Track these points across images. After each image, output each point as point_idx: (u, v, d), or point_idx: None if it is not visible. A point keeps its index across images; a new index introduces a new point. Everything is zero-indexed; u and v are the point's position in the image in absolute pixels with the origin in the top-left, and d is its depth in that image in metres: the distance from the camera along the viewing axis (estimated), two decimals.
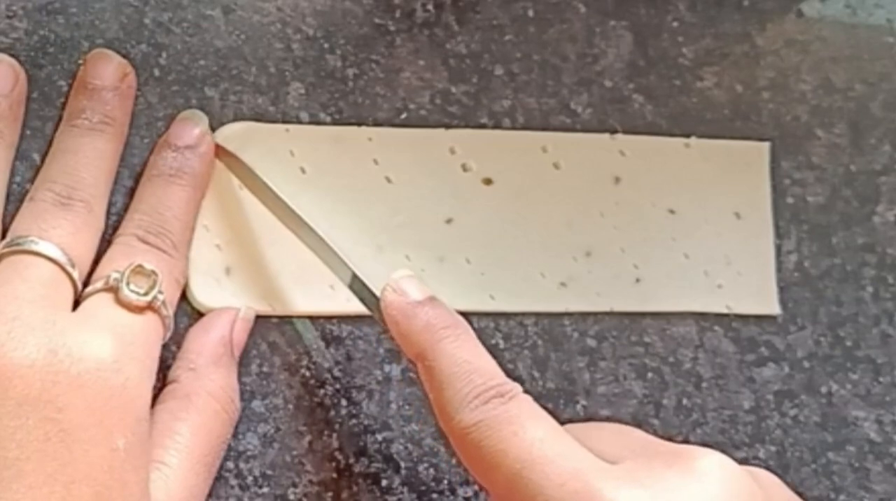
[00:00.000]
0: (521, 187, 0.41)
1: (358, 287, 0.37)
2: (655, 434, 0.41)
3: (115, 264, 0.35)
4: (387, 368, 0.39)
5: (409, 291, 0.35)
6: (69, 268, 0.34)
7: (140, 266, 0.35)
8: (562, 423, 0.40)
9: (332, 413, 0.39)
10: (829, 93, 0.44)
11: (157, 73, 0.39)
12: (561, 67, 0.43)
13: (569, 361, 0.41)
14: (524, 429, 0.32)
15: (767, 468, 0.41)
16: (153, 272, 0.35)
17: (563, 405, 0.40)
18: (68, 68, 0.39)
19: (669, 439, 0.41)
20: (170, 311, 0.35)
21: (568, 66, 0.43)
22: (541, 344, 0.41)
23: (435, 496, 0.39)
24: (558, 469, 0.31)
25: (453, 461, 0.39)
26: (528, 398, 0.33)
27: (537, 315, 0.41)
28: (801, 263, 0.43)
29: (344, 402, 0.39)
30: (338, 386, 0.39)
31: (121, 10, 0.40)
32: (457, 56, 0.42)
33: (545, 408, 0.40)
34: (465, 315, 0.40)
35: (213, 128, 0.39)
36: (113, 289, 0.34)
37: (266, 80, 0.40)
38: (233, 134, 0.39)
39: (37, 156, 0.38)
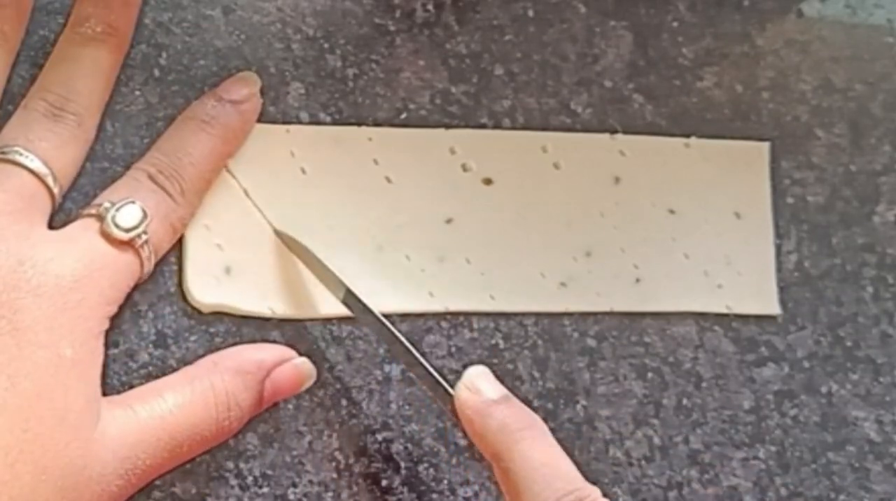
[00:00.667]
0: (521, 187, 0.41)
1: (352, 301, 0.37)
2: (655, 434, 0.41)
3: (115, 194, 0.36)
4: (387, 368, 0.39)
5: (484, 389, 0.35)
6: (49, 181, 0.35)
7: (132, 202, 0.35)
8: (562, 423, 0.40)
9: (332, 413, 0.39)
10: (829, 93, 0.44)
11: (157, 73, 0.39)
12: (561, 67, 0.43)
13: (569, 361, 0.41)
14: None
15: (767, 468, 0.41)
16: (144, 212, 0.35)
17: (563, 405, 0.40)
18: None
19: (669, 439, 0.41)
20: (150, 253, 0.36)
21: (568, 66, 0.43)
22: (541, 344, 0.41)
23: (435, 496, 0.39)
24: None
25: (453, 461, 0.39)
26: None
27: (537, 315, 0.41)
28: (801, 263, 0.43)
29: (344, 402, 0.39)
30: (338, 385, 0.39)
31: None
32: (457, 56, 0.42)
33: (545, 409, 0.40)
34: (466, 315, 0.40)
35: None
36: (99, 218, 0.35)
37: (266, 80, 0.40)
38: None
39: None
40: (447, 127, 0.41)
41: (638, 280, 0.42)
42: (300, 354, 0.38)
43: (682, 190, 0.43)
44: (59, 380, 0.33)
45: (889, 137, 0.45)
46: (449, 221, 0.41)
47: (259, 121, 0.40)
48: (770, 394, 0.42)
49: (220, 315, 0.38)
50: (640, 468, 0.40)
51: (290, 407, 0.38)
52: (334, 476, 0.38)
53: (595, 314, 0.41)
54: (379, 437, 0.39)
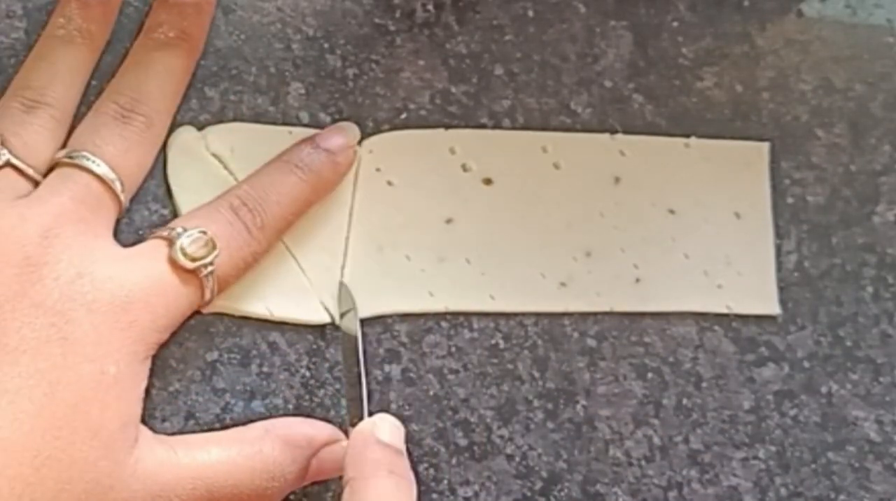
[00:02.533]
0: (521, 187, 0.41)
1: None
2: (655, 434, 0.41)
3: (191, 221, 0.36)
4: (387, 368, 0.39)
5: (384, 431, 0.35)
6: (117, 187, 0.36)
7: (204, 233, 0.35)
8: (562, 423, 0.40)
9: (332, 413, 0.39)
10: (829, 93, 0.44)
11: None
12: (561, 67, 0.43)
13: (569, 361, 0.41)
14: None
15: (767, 468, 0.41)
16: (214, 244, 0.35)
17: (563, 405, 0.40)
18: None
19: (669, 439, 0.41)
20: (213, 285, 0.36)
21: (568, 66, 0.43)
22: (541, 344, 0.41)
23: (435, 496, 0.39)
24: None
25: (453, 461, 0.39)
26: None
27: (537, 315, 0.41)
28: (801, 263, 0.43)
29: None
30: (338, 385, 0.39)
31: (121, 10, 0.40)
32: (457, 56, 0.42)
33: (545, 409, 0.40)
34: (466, 315, 0.40)
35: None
36: (169, 242, 0.35)
37: (266, 80, 0.40)
38: (232, 134, 0.39)
39: None
40: (447, 127, 0.41)
41: (638, 280, 0.42)
42: (300, 354, 0.38)
43: (682, 190, 0.43)
44: (98, 396, 0.33)
45: (889, 137, 0.45)
46: (449, 221, 0.41)
47: (259, 121, 0.40)
48: (770, 394, 0.42)
49: (219, 315, 0.38)
50: (640, 468, 0.40)
51: (290, 407, 0.38)
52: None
53: (595, 314, 0.41)
54: None
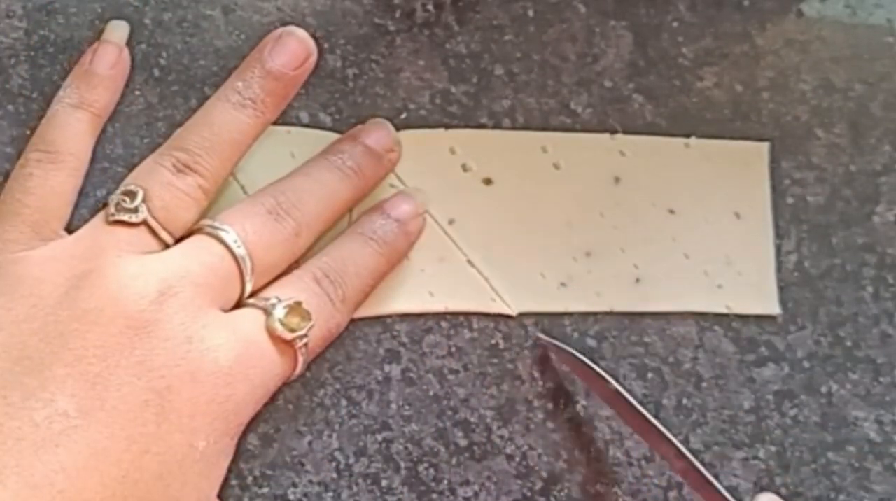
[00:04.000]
0: (521, 187, 0.41)
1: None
2: None
3: (283, 290, 0.36)
4: (387, 368, 0.39)
5: None
6: (246, 271, 0.35)
7: (299, 304, 0.35)
8: (562, 423, 0.40)
9: (332, 413, 0.39)
10: (829, 93, 0.44)
11: (157, 73, 0.39)
12: (561, 67, 0.43)
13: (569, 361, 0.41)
14: None
15: (767, 468, 0.41)
16: (309, 315, 0.35)
17: (563, 405, 0.40)
18: (68, 68, 0.39)
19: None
20: (307, 356, 0.36)
21: (568, 66, 0.43)
22: (541, 344, 0.41)
23: (435, 496, 0.39)
24: None
25: (453, 461, 0.39)
26: None
27: (537, 315, 0.41)
28: (801, 263, 0.43)
29: (344, 402, 0.39)
30: (338, 385, 0.39)
31: (121, 10, 0.40)
32: (457, 56, 0.42)
33: (545, 409, 0.40)
34: (466, 315, 0.40)
35: None
36: (266, 313, 0.35)
37: None
38: None
39: None
40: (447, 127, 0.41)
41: (638, 280, 0.42)
42: None
43: (682, 190, 0.43)
44: (182, 470, 0.32)
45: (889, 137, 0.45)
46: (449, 221, 0.41)
47: None
48: (770, 394, 0.42)
49: None
50: (640, 468, 0.40)
51: (291, 406, 0.38)
52: (334, 476, 0.38)
53: (595, 314, 0.41)
54: (379, 437, 0.39)
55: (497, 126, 0.42)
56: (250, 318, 0.35)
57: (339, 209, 0.38)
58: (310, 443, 0.38)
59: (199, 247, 0.35)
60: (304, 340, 0.35)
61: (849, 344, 0.43)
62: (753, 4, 0.45)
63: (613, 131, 0.43)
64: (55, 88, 0.38)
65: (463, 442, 0.39)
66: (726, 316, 0.42)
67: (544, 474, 0.40)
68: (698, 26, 0.44)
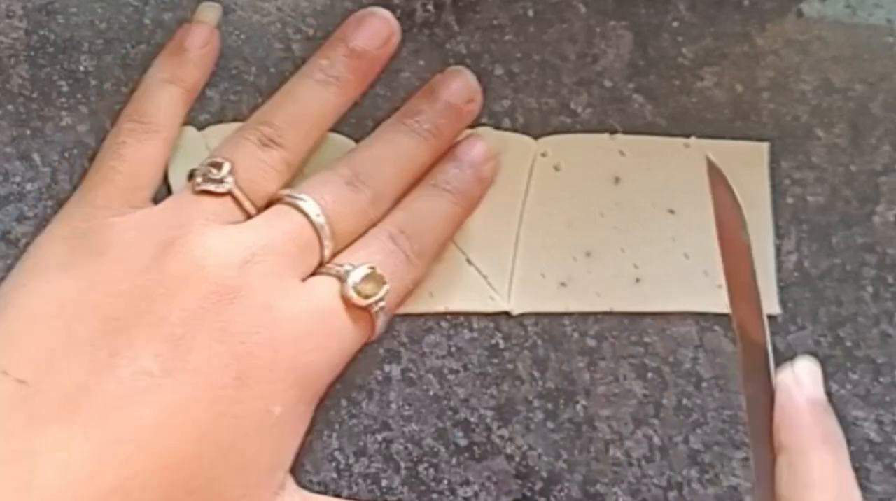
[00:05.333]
0: (521, 187, 0.41)
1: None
2: (655, 434, 0.41)
3: (358, 254, 0.36)
4: (387, 368, 0.39)
5: (807, 385, 0.34)
6: (325, 238, 0.36)
7: (373, 269, 0.36)
8: (562, 423, 0.40)
9: (332, 412, 0.39)
10: (829, 93, 0.44)
11: None
12: (561, 67, 0.43)
13: (569, 361, 0.41)
14: None
15: None
16: (383, 279, 0.36)
17: (563, 405, 0.40)
18: (68, 68, 0.39)
19: (669, 439, 0.41)
20: (384, 318, 0.36)
21: (568, 66, 0.43)
22: (541, 344, 0.41)
23: (435, 496, 0.39)
24: None
25: (453, 461, 0.39)
26: None
27: (537, 315, 0.41)
28: (801, 263, 0.43)
29: (344, 402, 0.39)
30: (338, 385, 0.39)
31: (121, 10, 0.40)
32: (457, 56, 0.42)
33: (545, 409, 0.40)
34: (466, 315, 0.40)
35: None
36: (341, 280, 0.35)
37: (266, 80, 0.40)
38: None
39: (37, 157, 0.38)
40: None
41: (638, 280, 0.42)
42: None
43: (682, 190, 0.43)
44: (259, 435, 0.33)
45: (889, 137, 0.45)
46: None
47: None
48: None
49: None
50: (640, 468, 0.40)
51: None
52: (334, 476, 0.38)
53: (595, 314, 0.41)
54: (379, 437, 0.39)
55: (497, 126, 0.42)
56: (326, 286, 0.35)
57: (418, 172, 0.38)
58: (310, 443, 0.38)
59: (281, 217, 0.35)
60: (381, 304, 0.36)
61: (849, 344, 0.43)
62: (753, 4, 0.45)
63: (613, 131, 0.43)
64: (55, 88, 0.38)
65: (463, 442, 0.39)
66: (726, 316, 0.42)
67: (544, 474, 0.40)
68: (698, 26, 0.44)
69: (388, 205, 0.38)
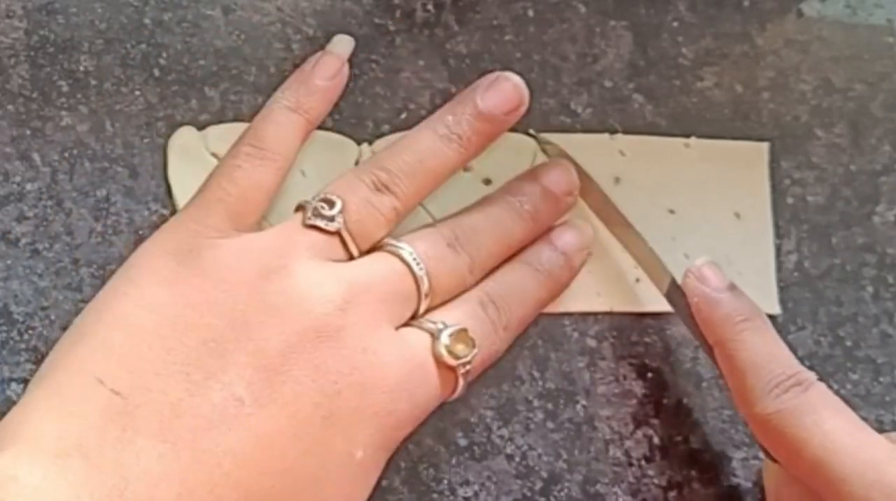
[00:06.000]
0: None
1: (676, 294, 0.39)
2: (655, 434, 0.41)
3: (450, 314, 0.36)
4: None
5: (710, 278, 0.38)
6: (423, 299, 0.36)
7: (465, 331, 0.36)
8: (562, 423, 0.40)
9: None
10: (829, 93, 0.44)
11: (157, 73, 0.39)
12: (561, 67, 0.43)
13: (569, 361, 0.41)
14: (823, 419, 0.35)
15: None
16: (473, 342, 0.36)
17: (563, 405, 0.40)
18: (68, 68, 0.39)
19: (669, 439, 0.41)
20: (467, 380, 0.36)
21: (568, 66, 0.43)
22: (541, 344, 0.41)
23: (435, 496, 0.39)
24: (858, 460, 0.34)
25: (453, 461, 0.39)
26: (823, 386, 0.36)
27: (537, 315, 0.41)
28: (801, 263, 0.43)
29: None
30: None
31: (121, 10, 0.40)
32: (457, 56, 0.42)
33: (545, 409, 0.40)
34: None
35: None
36: (433, 337, 0.36)
37: (266, 80, 0.40)
38: (232, 134, 0.39)
39: (37, 156, 0.38)
40: None
41: (638, 280, 0.42)
42: None
43: (682, 190, 0.43)
44: (338, 477, 0.33)
45: (889, 137, 0.45)
46: None
47: None
48: None
49: None
50: (640, 468, 0.40)
51: None
52: None
53: (595, 314, 0.41)
54: None
55: None
56: (418, 340, 0.36)
57: (512, 249, 0.39)
58: None
59: (383, 263, 0.36)
60: (467, 367, 0.36)
61: (849, 344, 0.43)
62: (753, 4, 0.45)
63: (613, 131, 0.43)
64: (55, 88, 0.38)
65: (463, 442, 0.39)
66: None
67: (544, 474, 0.40)
68: (698, 26, 0.44)
69: (481, 275, 0.38)
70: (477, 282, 0.38)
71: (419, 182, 0.37)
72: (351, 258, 0.36)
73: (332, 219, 0.35)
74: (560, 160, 0.40)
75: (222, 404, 0.32)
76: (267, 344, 0.33)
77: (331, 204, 0.36)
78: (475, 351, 0.36)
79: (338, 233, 0.36)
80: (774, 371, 0.36)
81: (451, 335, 0.35)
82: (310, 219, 0.35)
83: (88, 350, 0.32)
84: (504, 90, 0.38)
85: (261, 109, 0.39)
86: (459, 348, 0.35)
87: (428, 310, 0.37)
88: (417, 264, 0.36)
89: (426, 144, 0.37)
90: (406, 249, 0.36)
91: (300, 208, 0.36)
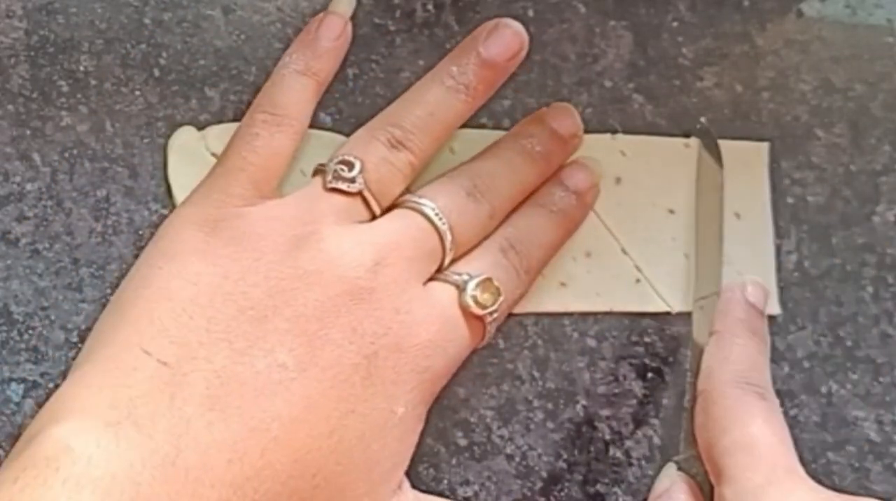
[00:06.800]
0: None
1: (708, 307, 0.39)
2: (655, 434, 0.41)
3: (473, 264, 0.37)
4: None
5: (750, 291, 0.38)
6: (447, 243, 0.36)
7: (490, 280, 0.36)
8: (562, 423, 0.40)
9: None
10: (829, 93, 0.44)
11: (157, 73, 0.39)
12: (561, 67, 0.43)
13: (569, 361, 0.41)
14: None
15: None
16: (499, 290, 0.37)
17: (563, 405, 0.40)
18: (68, 68, 0.39)
19: (669, 439, 0.41)
20: (494, 327, 0.37)
21: (568, 66, 0.43)
22: (541, 344, 0.41)
23: (435, 496, 0.39)
24: None
25: (453, 461, 0.39)
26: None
27: (537, 315, 0.41)
28: (801, 263, 0.43)
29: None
30: None
31: (121, 10, 0.40)
32: None
33: (545, 409, 0.40)
34: None
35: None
36: (458, 289, 0.36)
37: (266, 80, 0.40)
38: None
39: (37, 156, 0.38)
40: None
41: (638, 280, 0.42)
42: None
43: (682, 190, 0.43)
44: (383, 434, 0.34)
45: (889, 137, 0.45)
46: None
47: None
48: None
49: None
50: (640, 468, 0.40)
51: None
52: None
53: (595, 314, 0.41)
54: None
55: (497, 126, 0.42)
56: (446, 293, 0.36)
57: (526, 191, 0.39)
58: None
59: (407, 221, 0.36)
60: (494, 315, 0.37)
61: (849, 344, 0.43)
62: (753, 4, 0.45)
63: (614, 131, 0.43)
64: (55, 88, 0.38)
65: (463, 442, 0.39)
66: None
67: (544, 474, 0.40)
68: (698, 26, 0.44)
69: (500, 220, 0.38)
70: (497, 227, 0.38)
71: (432, 135, 0.38)
72: (373, 217, 0.37)
73: (352, 180, 0.36)
74: (563, 104, 0.41)
75: (266, 370, 0.32)
76: (304, 310, 0.33)
77: (350, 165, 0.36)
78: (501, 298, 0.36)
79: (359, 194, 0.36)
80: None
81: (476, 286, 0.36)
82: (331, 182, 0.36)
83: (131, 323, 0.33)
84: (505, 37, 0.38)
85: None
86: (486, 298, 0.36)
87: (453, 261, 0.37)
88: (440, 219, 0.36)
89: (435, 97, 0.38)
90: (428, 205, 0.36)
91: (318, 172, 0.37)
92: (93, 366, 0.32)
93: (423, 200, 0.37)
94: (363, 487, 0.34)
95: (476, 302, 0.36)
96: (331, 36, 0.39)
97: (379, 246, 0.35)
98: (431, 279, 0.37)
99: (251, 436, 0.32)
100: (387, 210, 0.37)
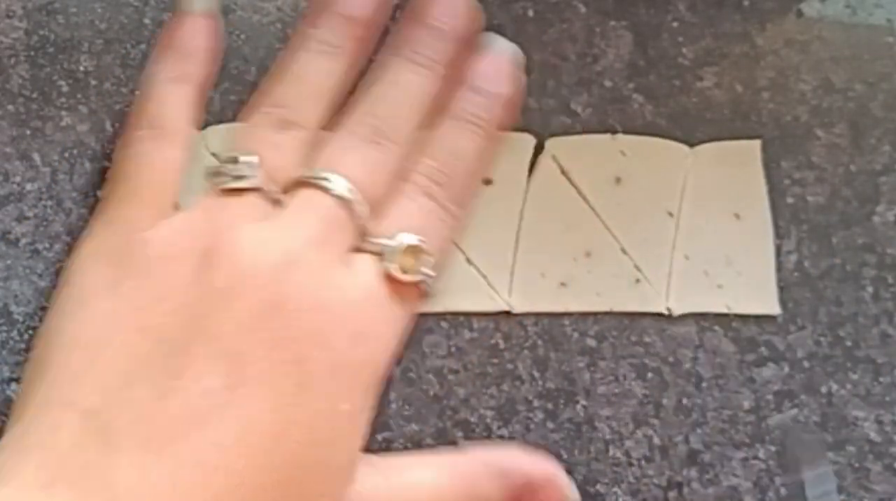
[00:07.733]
0: (521, 187, 0.41)
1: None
2: (655, 434, 0.41)
3: (391, 223, 0.35)
4: None
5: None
6: (356, 209, 0.34)
7: (413, 236, 0.34)
8: (562, 423, 0.40)
9: None
10: (829, 93, 0.44)
11: None
12: (561, 67, 0.43)
13: (569, 361, 0.41)
14: None
15: (767, 468, 0.41)
16: (422, 250, 0.34)
17: (563, 405, 0.40)
18: (68, 68, 0.39)
19: (669, 439, 0.41)
20: (432, 282, 0.35)
21: (568, 66, 0.43)
22: (541, 344, 0.41)
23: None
24: None
25: None
26: None
27: (537, 315, 0.41)
28: (801, 263, 0.43)
29: None
30: None
31: (121, 10, 0.40)
32: None
33: (545, 409, 0.40)
34: (466, 315, 0.40)
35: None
36: (379, 257, 0.34)
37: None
38: (232, 134, 0.39)
39: (37, 157, 0.38)
40: None
41: (638, 280, 0.42)
42: None
43: (682, 191, 0.43)
44: (330, 433, 0.33)
45: (889, 137, 0.45)
46: None
47: None
48: (770, 394, 0.42)
49: None
50: (640, 468, 0.40)
51: None
52: None
53: (595, 314, 0.41)
54: (379, 437, 0.39)
55: None
56: (367, 267, 0.34)
57: (428, 105, 0.36)
58: None
59: (312, 204, 0.34)
60: (424, 272, 0.34)
61: (849, 344, 0.43)
62: (753, 4, 0.45)
63: (614, 131, 0.43)
64: (55, 88, 0.38)
65: (463, 442, 0.39)
66: (726, 316, 0.42)
67: None
68: (698, 26, 0.44)
69: (412, 150, 0.36)
70: (410, 158, 0.36)
71: (318, 103, 0.36)
72: (279, 204, 0.34)
73: (247, 177, 0.34)
74: None
75: (195, 400, 0.31)
76: (221, 331, 0.32)
77: (240, 161, 0.35)
78: (428, 257, 0.34)
79: (258, 189, 0.34)
80: None
81: (398, 249, 0.34)
82: (226, 183, 0.34)
83: (51, 378, 0.32)
84: None
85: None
86: (409, 262, 0.34)
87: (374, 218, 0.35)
88: (349, 190, 0.34)
89: (307, 63, 0.36)
90: (328, 178, 0.34)
91: (211, 176, 0.35)
92: (21, 427, 0.31)
93: (325, 173, 0.34)
94: (320, 488, 0.32)
95: (401, 269, 0.34)
96: (193, 36, 0.37)
97: (286, 243, 0.33)
98: (356, 249, 0.34)
99: (190, 471, 0.30)
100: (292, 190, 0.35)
